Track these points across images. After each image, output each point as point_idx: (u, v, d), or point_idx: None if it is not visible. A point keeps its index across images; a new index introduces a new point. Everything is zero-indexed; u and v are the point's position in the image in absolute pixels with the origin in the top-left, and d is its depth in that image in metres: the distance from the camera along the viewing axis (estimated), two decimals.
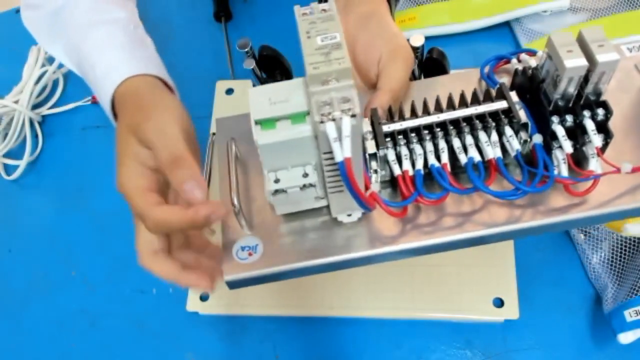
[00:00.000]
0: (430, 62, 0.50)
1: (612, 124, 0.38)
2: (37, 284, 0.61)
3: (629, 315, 0.48)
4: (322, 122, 0.32)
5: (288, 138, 0.33)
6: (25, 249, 0.64)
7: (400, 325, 0.54)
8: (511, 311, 0.52)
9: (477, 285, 0.53)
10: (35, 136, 0.71)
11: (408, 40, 0.47)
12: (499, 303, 0.52)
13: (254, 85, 0.55)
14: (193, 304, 0.56)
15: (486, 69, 0.46)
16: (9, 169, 0.70)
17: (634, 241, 0.53)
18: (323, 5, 0.34)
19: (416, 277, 0.54)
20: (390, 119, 0.41)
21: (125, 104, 0.44)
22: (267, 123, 0.34)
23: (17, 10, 0.82)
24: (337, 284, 0.55)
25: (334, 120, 0.32)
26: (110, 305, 0.59)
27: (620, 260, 0.53)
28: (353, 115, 0.31)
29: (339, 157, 0.32)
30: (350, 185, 0.33)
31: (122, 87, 0.45)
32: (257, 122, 0.34)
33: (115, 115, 0.46)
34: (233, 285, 0.40)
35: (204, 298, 0.56)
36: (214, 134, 0.63)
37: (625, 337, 0.48)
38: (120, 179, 0.40)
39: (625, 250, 0.53)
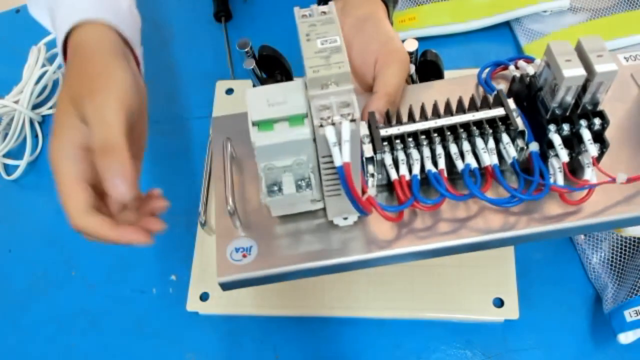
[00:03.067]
0: (424, 65, 0.50)
1: (608, 134, 0.38)
2: (37, 284, 0.61)
3: (629, 315, 0.48)
4: (321, 125, 0.31)
5: (285, 140, 0.33)
6: (25, 249, 0.64)
7: (400, 325, 0.54)
8: (511, 311, 0.52)
9: (477, 285, 0.53)
10: (35, 136, 0.71)
11: (403, 42, 0.47)
12: (499, 303, 0.52)
13: (254, 86, 0.55)
14: (193, 304, 0.56)
15: (484, 75, 0.46)
16: (9, 169, 0.70)
17: (634, 241, 0.53)
18: (323, 8, 0.34)
19: (416, 277, 0.54)
20: (388, 123, 0.41)
21: (75, 59, 0.41)
22: (264, 125, 0.33)
23: (17, 10, 0.82)
24: (338, 284, 0.55)
25: (333, 124, 0.31)
26: (110, 305, 0.59)
27: (620, 260, 0.53)
28: (353, 120, 0.31)
29: (338, 162, 0.32)
30: (348, 189, 0.33)
31: (78, 35, 0.41)
32: (254, 124, 0.33)
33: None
34: (226, 286, 0.40)
35: (204, 298, 0.56)
36: None
37: (625, 337, 0.48)
38: (53, 153, 0.39)
39: (625, 250, 0.53)
